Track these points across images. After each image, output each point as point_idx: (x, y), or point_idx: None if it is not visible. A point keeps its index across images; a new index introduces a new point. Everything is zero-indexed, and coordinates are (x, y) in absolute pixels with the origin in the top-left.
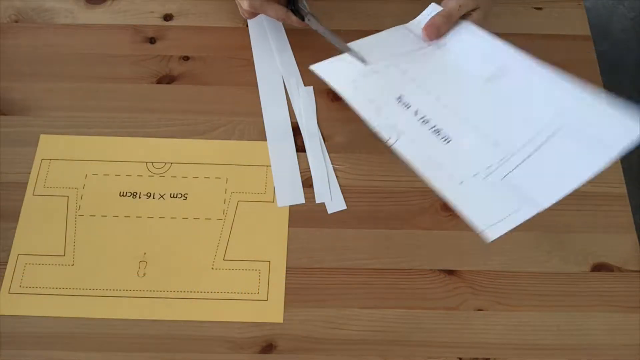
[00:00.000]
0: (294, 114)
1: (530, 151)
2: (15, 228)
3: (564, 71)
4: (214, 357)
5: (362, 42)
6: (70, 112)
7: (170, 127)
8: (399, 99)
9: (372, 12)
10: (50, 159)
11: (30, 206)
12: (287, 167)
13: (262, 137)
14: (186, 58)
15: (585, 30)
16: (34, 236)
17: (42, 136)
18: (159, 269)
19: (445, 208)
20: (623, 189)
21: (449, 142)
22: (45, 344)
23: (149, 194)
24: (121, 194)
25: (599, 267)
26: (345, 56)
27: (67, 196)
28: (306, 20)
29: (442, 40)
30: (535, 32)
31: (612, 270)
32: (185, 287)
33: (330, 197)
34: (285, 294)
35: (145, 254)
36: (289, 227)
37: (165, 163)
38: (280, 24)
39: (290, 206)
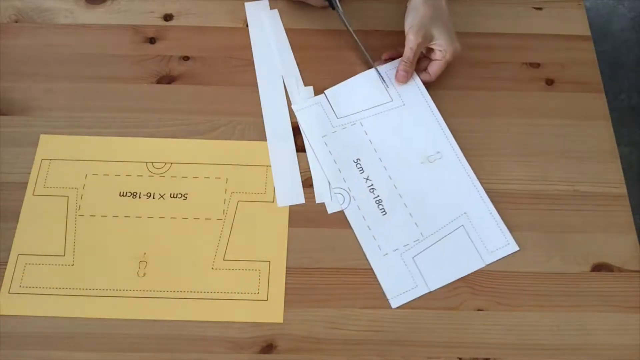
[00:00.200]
0: (294, 114)
1: (436, 239)
2: (15, 228)
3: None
4: (214, 357)
5: (337, 90)
6: (70, 112)
7: (170, 127)
8: (357, 161)
9: (372, 12)
10: (50, 159)
11: (30, 206)
12: (287, 167)
13: (262, 137)
14: (186, 58)
15: (585, 30)
16: (34, 236)
17: (42, 136)
18: (159, 269)
19: None
20: (623, 189)
21: (385, 214)
22: (45, 344)
23: (149, 194)
24: (121, 194)
25: (599, 267)
26: (323, 101)
27: (67, 196)
28: (337, 10)
29: (403, 99)
30: (535, 32)
31: (612, 270)
32: (185, 287)
33: (330, 197)
34: (285, 294)
35: (145, 254)
36: (289, 227)
37: (165, 163)
38: (281, 24)
39: (290, 206)
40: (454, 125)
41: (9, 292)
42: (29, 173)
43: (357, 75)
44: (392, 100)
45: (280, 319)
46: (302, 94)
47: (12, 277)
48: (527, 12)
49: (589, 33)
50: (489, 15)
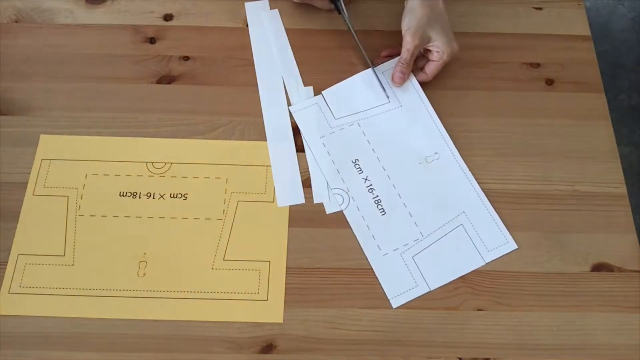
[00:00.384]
0: (294, 116)
1: (436, 238)
2: (15, 228)
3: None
4: (214, 357)
5: (334, 90)
6: (70, 112)
7: (170, 127)
8: (355, 162)
9: (372, 12)
10: (50, 159)
11: (30, 206)
12: (287, 167)
13: (262, 137)
14: (186, 58)
15: (585, 30)
16: (34, 236)
17: (42, 136)
18: (159, 269)
19: None
20: (623, 189)
21: (384, 214)
22: (45, 344)
23: (149, 194)
24: (121, 194)
25: (599, 267)
26: (320, 102)
27: (67, 196)
28: (343, 14)
29: (400, 101)
30: (535, 32)
31: (612, 270)
32: (185, 287)
33: (329, 197)
34: (285, 294)
35: (145, 254)
36: (289, 227)
37: (165, 163)
38: (281, 24)
39: (290, 206)
40: (454, 125)
41: (9, 292)
42: (29, 173)
43: (354, 76)
44: (390, 102)
45: (280, 319)
46: (302, 94)
47: (12, 277)
48: (527, 12)
49: (589, 33)
50: (489, 15)
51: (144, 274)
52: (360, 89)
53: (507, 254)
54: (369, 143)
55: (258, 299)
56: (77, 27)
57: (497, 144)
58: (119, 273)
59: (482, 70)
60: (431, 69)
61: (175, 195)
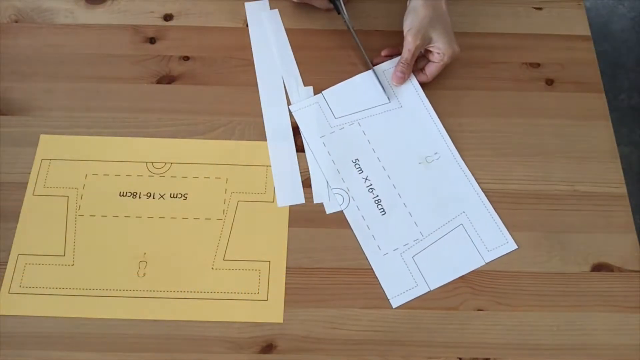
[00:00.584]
0: (294, 116)
1: (436, 238)
2: (15, 228)
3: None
4: (214, 357)
5: (335, 90)
6: (70, 112)
7: (170, 127)
8: (355, 161)
9: (372, 12)
10: (50, 159)
11: (30, 206)
12: (287, 167)
13: (262, 137)
14: (186, 58)
15: (585, 30)
16: (34, 236)
17: (42, 136)
18: (159, 269)
19: None
20: (623, 189)
21: (384, 214)
22: (45, 344)
23: (149, 194)
24: (121, 194)
25: (599, 267)
26: (321, 101)
27: (67, 196)
28: (342, 14)
29: (400, 101)
30: (535, 32)
31: (612, 270)
32: (185, 287)
33: (329, 197)
34: (285, 294)
35: (145, 254)
36: (289, 227)
37: (165, 163)
38: (281, 24)
39: (290, 206)
40: (454, 125)
41: (9, 292)
42: (29, 173)
43: (354, 77)
44: (390, 102)
45: (280, 319)
46: (302, 94)
47: (12, 277)
48: (527, 12)
49: (589, 33)
50: (489, 15)
51: (144, 274)
52: (360, 89)
53: (507, 254)
54: (369, 143)
55: (258, 299)
56: (77, 27)
57: (497, 144)
58: (119, 273)
59: (482, 70)
60: (431, 70)
61: (175, 195)
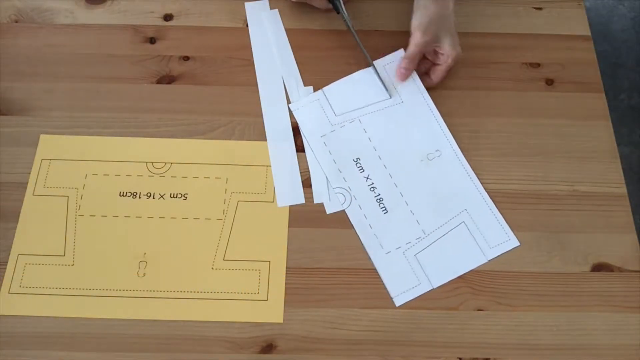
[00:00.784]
0: (294, 114)
1: (438, 236)
2: (15, 228)
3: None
4: (214, 357)
5: (335, 87)
6: (70, 112)
7: (170, 127)
8: (356, 161)
9: (372, 12)
10: (50, 159)
11: (30, 206)
12: (287, 167)
13: (262, 137)
14: (186, 58)
15: (585, 30)
16: (34, 236)
17: (42, 136)
18: (159, 269)
19: None
20: (623, 189)
21: (386, 213)
22: (45, 344)
23: (149, 194)
24: (121, 194)
25: (599, 267)
26: (321, 98)
27: (67, 196)
28: (342, 13)
29: (401, 97)
30: (535, 32)
31: (612, 270)
32: (185, 287)
33: (329, 197)
34: (285, 294)
35: (145, 254)
36: (289, 227)
37: (165, 163)
38: (281, 24)
39: (290, 206)
40: (454, 125)
41: (9, 292)
42: (29, 173)
43: (354, 73)
44: (390, 98)
45: (280, 319)
46: (302, 93)
47: (12, 277)
48: (527, 12)
49: (589, 33)
50: (489, 15)
51: (144, 274)
52: (361, 85)
53: (508, 251)
54: (370, 141)
55: (258, 299)
56: (77, 27)
57: (497, 144)
58: (119, 273)
59: (482, 70)
60: (437, 73)
61: (175, 195)
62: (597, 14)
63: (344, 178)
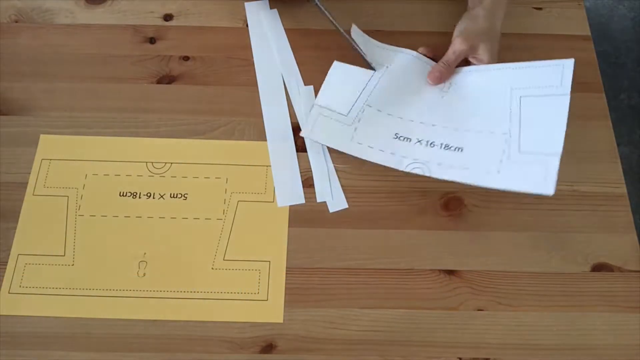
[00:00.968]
0: (294, 114)
1: (516, 122)
2: (15, 228)
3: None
4: (214, 357)
5: (323, 95)
6: (70, 112)
7: (170, 127)
8: (396, 135)
9: (372, 12)
10: (50, 159)
11: (30, 206)
12: (287, 167)
13: (262, 137)
14: (186, 58)
15: (585, 30)
16: (34, 236)
17: (42, 136)
18: (159, 269)
19: (445, 208)
20: (623, 189)
21: (461, 150)
22: (45, 344)
23: (149, 194)
24: (121, 194)
25: (599, 267)
26: (321, 111)
27: (67, 196)
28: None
29: (385, 65)
30: (535, 32)
31: (612, 270)
32: (185, 287)
33: (332, 196)
34: (285, 294)
35: (145, 254)
36: (289, 227)
37: (165, 163)
38: (281, 24)
39: (290, 206)
40: None
41: (9, 292)
42: (29, 173)
43: (328, 72)
44: (376, 71)
45: (280, 319)
46: (302, 93)
47: (12, 277)
48: (527, 12)
49: (589, 33)
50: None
51: (144, 274)
52: (342, 77)
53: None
54: (390, 115)
55: (258, 299)
56: (77, 27)
57: None
58: (119, 273)
59: None
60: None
61: (175, 195)
62: (597, 14)
63: (402, 156)
